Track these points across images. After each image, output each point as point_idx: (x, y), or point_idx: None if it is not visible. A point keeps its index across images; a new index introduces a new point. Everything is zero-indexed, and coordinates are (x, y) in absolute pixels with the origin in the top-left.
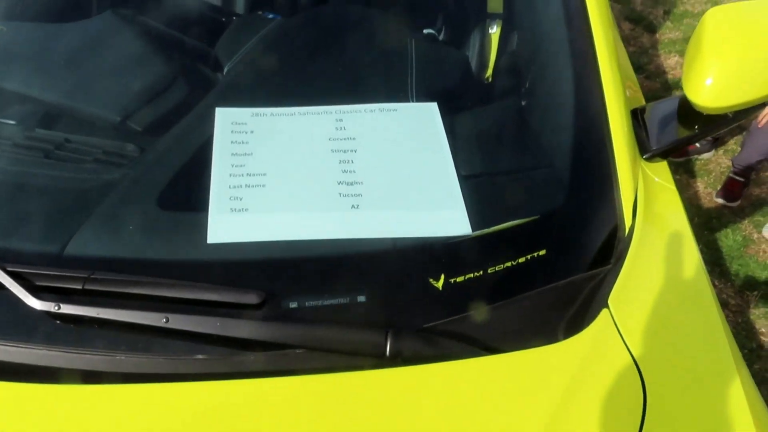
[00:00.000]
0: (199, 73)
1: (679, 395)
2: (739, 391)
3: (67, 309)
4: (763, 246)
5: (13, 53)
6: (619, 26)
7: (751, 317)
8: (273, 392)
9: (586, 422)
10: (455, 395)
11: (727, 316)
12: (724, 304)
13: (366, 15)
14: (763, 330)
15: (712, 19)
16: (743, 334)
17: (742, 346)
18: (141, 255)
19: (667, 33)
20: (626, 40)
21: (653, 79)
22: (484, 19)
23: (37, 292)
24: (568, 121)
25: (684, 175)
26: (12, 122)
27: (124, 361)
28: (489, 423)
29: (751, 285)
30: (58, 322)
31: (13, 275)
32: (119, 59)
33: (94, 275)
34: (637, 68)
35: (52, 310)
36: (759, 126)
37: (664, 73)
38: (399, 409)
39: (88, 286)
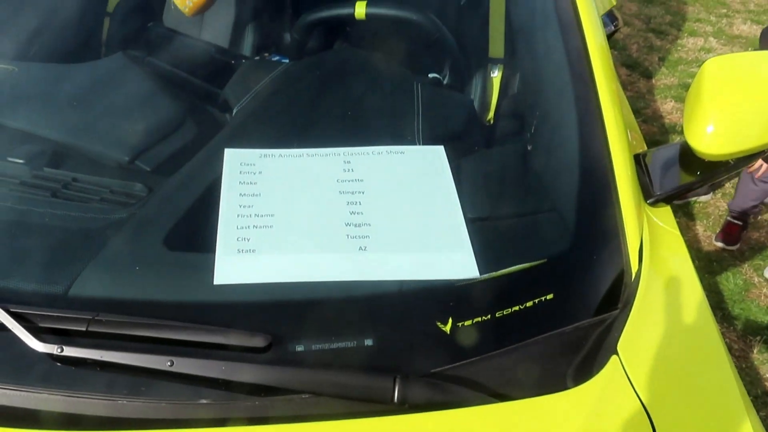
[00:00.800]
0: (208, 115)
1: None
2: None
3: (70, 351)
4: (765, 290)
5: (24, 93)
6: (617, 72)
7: (755, 363)
8: None
9: None
10: None
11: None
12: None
13: (372, 59)
14: (767, 376)
15: (712, 69)
16: (747, 380)
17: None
18: (147, 296)
19: (663, 79)
20: (623, 85)
21: (650, 123)
22: (485, 63)
23: (40, 333)
24: (573, 165)
25: (683, 218)
26: (21, 161)
27: (126, 405)
28: None
29: (753, 329)
30: (60, 364)
31: (15, 316)
32: (129, 100)
33: (99, 317)
34: (635, 113)
35: (55, 352)
36: (748, 172)
37: (661, 117)
38: None
39: (92, 328)
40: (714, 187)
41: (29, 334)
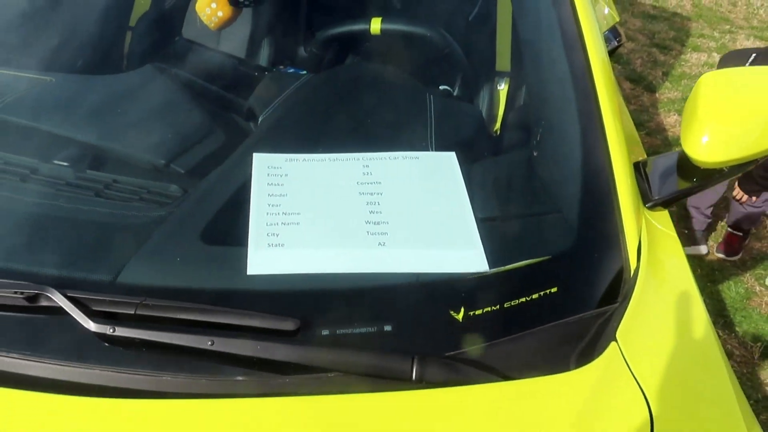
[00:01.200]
0: (236, 123)
1: (685, 423)
2: (737, 414)
3: (121, 332)
4: (766, 298)
5: (63, 102)
6: (621, 86)
7: (756, 368)
8: (307, 410)
9: None
10: (473, 416)
11: (731, 367)
12: (728, 355)
13: (387, 72)
14: (767, 381)
15: (708, 83)
16: (748, 384)
17: (747, 397)
18: (188, 284)
19: (666, 93)
20: (627, 99)
21: (654, 136)
22: (493, 77)
23: (94, 316)
24: (576, 171)
25: (685, 230)
26: (65, 164)
27: (171, 381)
28: None
29: (754, 336)
30: (113, 343)
31: (72, 300)
32: (162, 108)
33: (146, 301)
34: (638, 125)
35: (108, 332)
36: (733, 197)
37: (664, 130)
38: (422, 427)
39: (140, 312)
40: (707, 236)
41: (85, 316)
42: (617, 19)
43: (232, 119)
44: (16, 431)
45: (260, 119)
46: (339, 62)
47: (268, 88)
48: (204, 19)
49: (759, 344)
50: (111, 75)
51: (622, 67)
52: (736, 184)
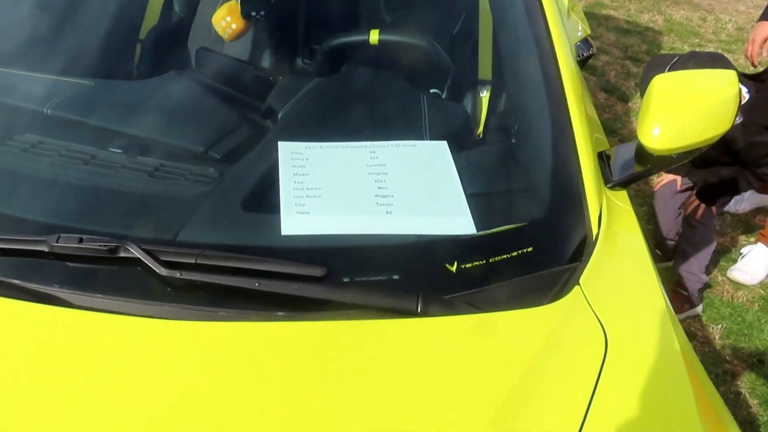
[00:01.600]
0: (259, 118)
1: (633, 346)
2: (675, 346)
3: (186, 276)
4: (727, 287)
5: (105, 101)
6: (595, 96)
7: (717, 347)
8: (333, 332)
9: (558, 361)
10: (464, 338)
11: (695, 346)
12: (692, 336)
13: (386, 76)
14: (726, 358)
15: (659, 84)
16: (710, 361)
17: (708, 371)
18: (235, 242)
19: (638, 102)
20: (601, 107)
21: (625, 142)
22: (476, 84)
23: (164, 264)
24: (547, 157)
25: (655, 225)
26: (119, 151)
27: (225, 314)
28: (485, 356)
29: (715, 319)
30: (179, 286)
31: (147, 252)
32: (193, 106)
33: (204, 252)
34: (612, 132)
35: (176, 276)
36: (656, 189)
37: (636, 138)
38: (424, 345)
39: (200, 261)
40: (701, 299)
41: (157, 263)
42: (588, 32)
43: (255, 115)
44: (108, 347)
45: (280, 115)
46: (340, 69)
47: (285, 89)
48: (219, 31)
49: (719, 326)
50: (144, 80)
51: (597, 78)
52: (693, 199)
